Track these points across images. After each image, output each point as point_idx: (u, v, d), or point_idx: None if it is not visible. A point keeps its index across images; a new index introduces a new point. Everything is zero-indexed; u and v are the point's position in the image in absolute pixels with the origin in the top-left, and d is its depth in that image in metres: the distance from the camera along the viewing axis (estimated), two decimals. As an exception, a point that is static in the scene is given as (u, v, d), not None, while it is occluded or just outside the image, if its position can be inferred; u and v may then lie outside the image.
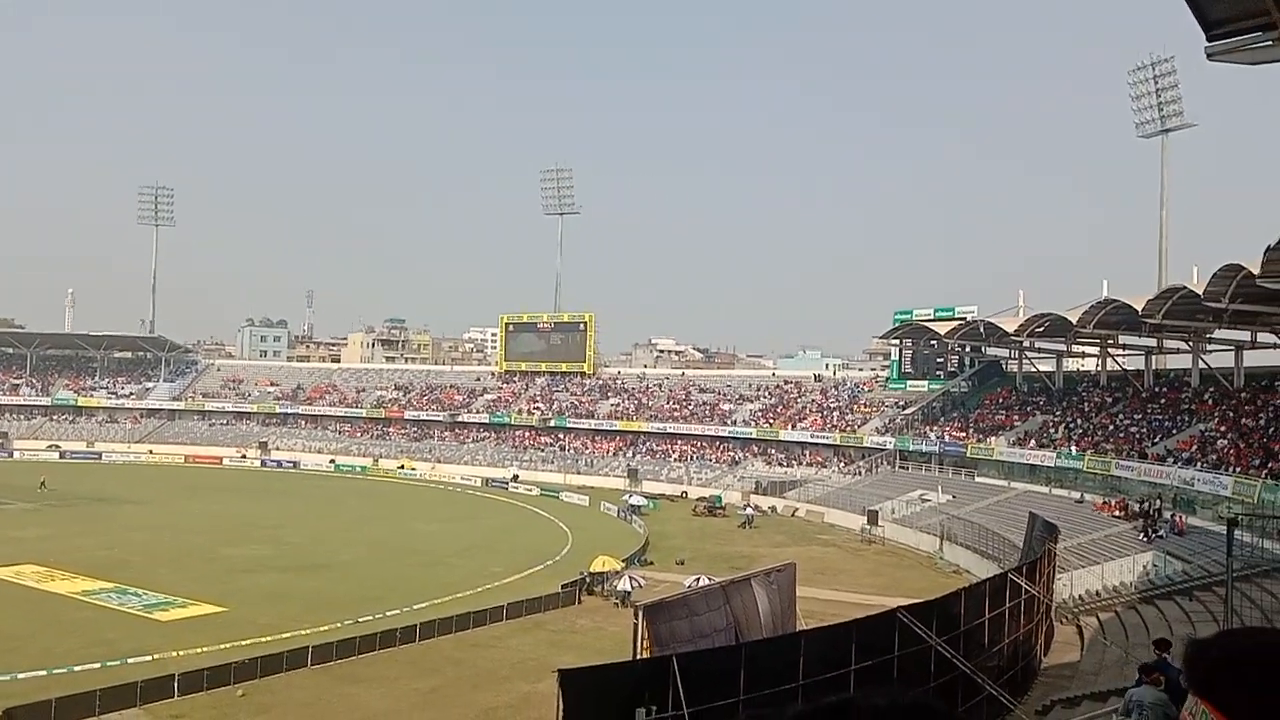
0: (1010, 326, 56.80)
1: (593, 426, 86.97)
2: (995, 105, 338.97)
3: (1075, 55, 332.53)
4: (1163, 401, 52.12)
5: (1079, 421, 55.39)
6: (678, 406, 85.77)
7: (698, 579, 32.43)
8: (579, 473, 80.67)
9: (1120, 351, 57.88)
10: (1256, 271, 30.67)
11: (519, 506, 65.04)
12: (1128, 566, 34.73)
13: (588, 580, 36.69)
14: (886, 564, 46.20)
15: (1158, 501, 40.68)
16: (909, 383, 76.46)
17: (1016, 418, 61.03)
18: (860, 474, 67.51)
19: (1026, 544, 33.30)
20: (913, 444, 65.48)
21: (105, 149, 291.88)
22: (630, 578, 35.67)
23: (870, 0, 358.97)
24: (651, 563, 43.53)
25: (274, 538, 47.80)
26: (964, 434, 62.05)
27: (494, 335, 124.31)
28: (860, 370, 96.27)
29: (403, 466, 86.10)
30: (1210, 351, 50.78)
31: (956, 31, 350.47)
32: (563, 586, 35.33)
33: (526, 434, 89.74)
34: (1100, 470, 47.71)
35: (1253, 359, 48.64)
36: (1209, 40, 10.91)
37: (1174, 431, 47.64)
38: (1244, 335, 46.44)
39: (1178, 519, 38.40)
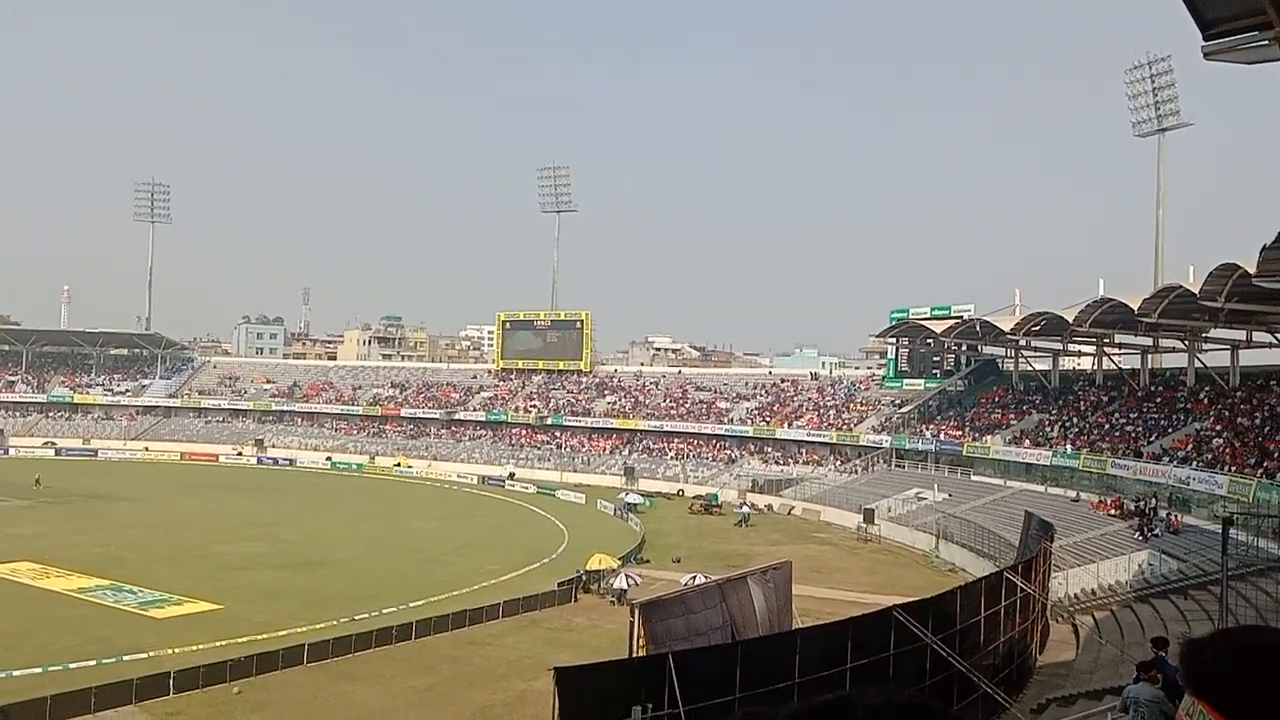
0: (1006, 325, 56.86)
1: (589, 424, 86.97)
2: (993, 105, 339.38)
3: (1072, 55, 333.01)
4: (1158, 400, 52.21)
5: (1075, 420, 55.47)
6: (674, 405, 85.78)
7: (694, 577, 32.48)
8: (575, 471, 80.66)
9: (1116, 350, 57.96)
10: (1252, 271, 30.68)
11: (515, 504, 65.01)
12: (1123, 565, 34.79)
13: (584, 578, 36.69)
14: (882, 562, 46.26)
15: (1153, 500, 40.74)
16: (905, 381, 76.55)
17: (1012, 416, 61.11)
18: (856, 472, 67.56)
19: (1022, 542, 33.36)
20: (909, 442, 65.55)
21: (102, 146, 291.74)
22: (626, 576, 35.67)
23: (870, 1, 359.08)
24: (648, 561, 43.54)
25: (270, 535, 47.75)
26: (960, 432, 62.14)
27: (491, 333, 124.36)
28: (857, 369, 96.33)
29: (399, 464, 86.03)
30: (1206, 351, 50.88)
31: (955, 32, 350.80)
32: (559, 584, 35.33)
33: (523, 432, 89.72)
34: (1096, 469, 47.78)
35: (1248, 358, 48.75)
36: (1205, 40, 10.91)
37: (1170, 430, 47.73)
38: (1240, 334, 46.51)
39: (1173, 518, 38.47)
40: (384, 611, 31.60)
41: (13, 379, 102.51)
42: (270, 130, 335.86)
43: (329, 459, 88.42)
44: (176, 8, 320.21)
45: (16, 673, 24.01)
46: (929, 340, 68.83)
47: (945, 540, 46.95)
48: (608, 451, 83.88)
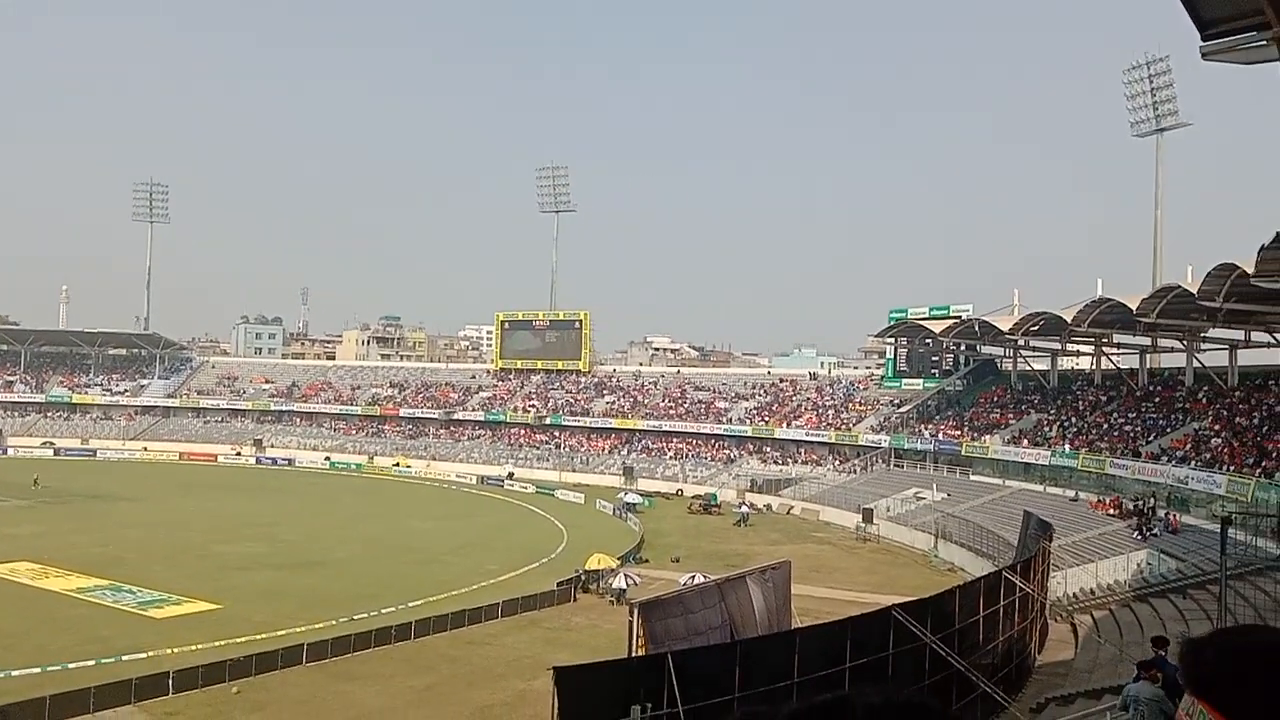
0: (1005, 325, 56.87)
1: (588, 424, 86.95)
2: (992, 105, 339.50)
3: (1071, 55, 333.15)
4: (1157, 400, 52.23)
5: (1073, 420, 55.49)
6: (673, 404, 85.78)
7: (693, 577, 32.47)
8: (574, 470, 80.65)
9: (1115, 350, 57.97)
10: (1251, 271, 30.70)
11: (514, 504, 65.00)
12: (1122, 564, 34.80)
13: (583, 578, 36.69)
14: (881, 562, 46.27)
15: (1152, 500, 40.76)
16: (904, 381, 76.55)
17: (1011, 416, 61.14)
18: (855, 472, 67.57)
19: (1021, 542, 33.37)
20: (908, 442, 65.56)
21: (101, 146, 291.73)
22: (625, 575, 35.66)
23: (869, 1, 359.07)
24: (647, 560, 43.54)
25: (269, 535, 47.73)
26: (959, 432, 62.16)
27: (489, 333, 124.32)
28: (855, 368, 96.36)
29: (398, 464, 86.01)
30: (1204, 350, 50.90)
31: (954, 32, 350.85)
32: (558, 584, 35.33)
33: (522, 432, 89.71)
34: (1095, 469, 47.80)
35: (1247, 358, 48.76)
36: (1204, 40, 10.92)
37: (1168, 430, 47.76)
38: (1238, 334, 46.54)
39: (1172, 517, 38.49)
40: (383, 611, 31.60)
41: (11, 379, 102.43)
42: (269, 130, 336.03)
43: (328, 459, 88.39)
44: (176, 8, 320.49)
45: (15, 673, 24.00)
46: (928, 340, 68.82)
47: (944, 540, 46.96)
48: (606, 451, 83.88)
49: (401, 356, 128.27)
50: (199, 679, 23.53)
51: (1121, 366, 58.05)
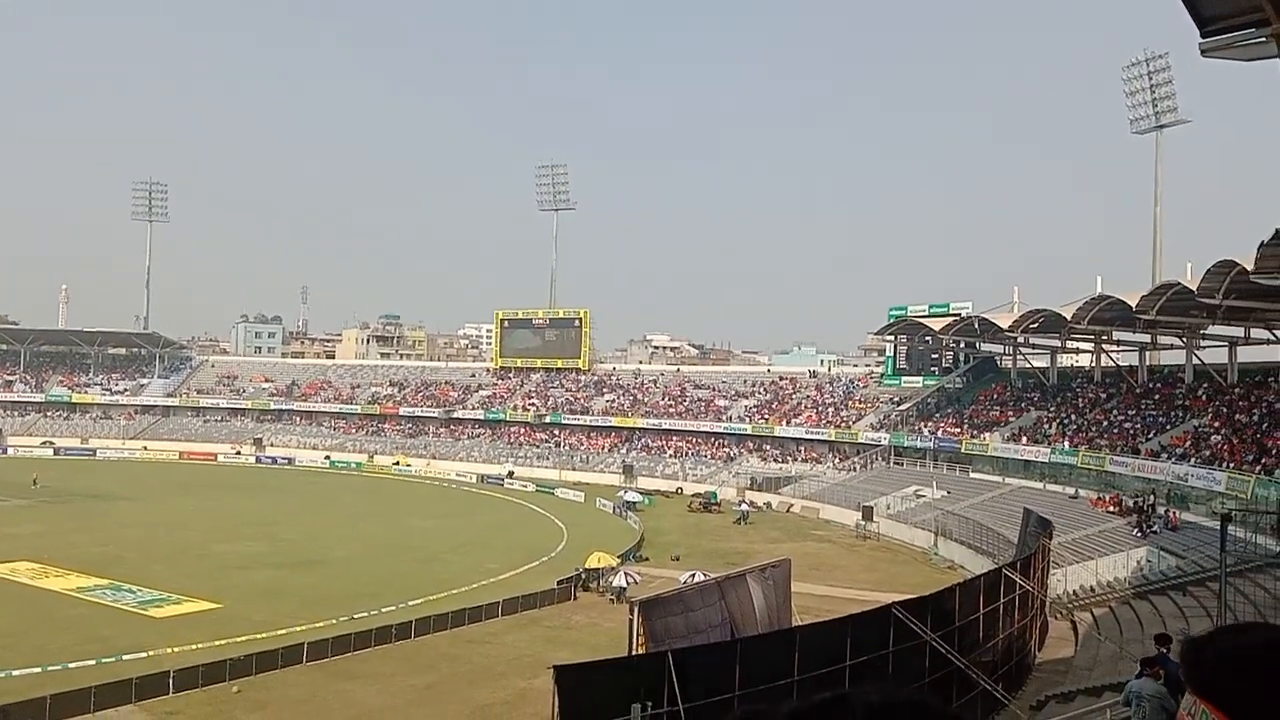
0: (1005, 322, 56.87)
1: (588, 423, 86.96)
2: (991, 104, 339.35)
3: (1070, 53, 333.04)
4: (1157, 397, 52.24)
5: (1073, 417, 55.50)
6: (673, 403, 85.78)
7: (693, 575, 32.47)
8: (574, 469, 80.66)
9: (1114, 347, 57.99)
10: (1250, 267, 30.69)
11: (514, 503, 65.02)
12: (1122, 562, 34.82)
13: (583, 576, 36.70)
14: (881, 560, 46.28)
15: (1152, 497, 40.78)
16: (904, 379, 76.52)
17: (1011, 414, 61.13)
18: (855, 470, 67.57)
19: (1021, 539, 33.38)
20: (907, 440, 65.57)
21: (100, 146, 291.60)
22: (626, 574, 35.67)
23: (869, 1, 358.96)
24: (647, 559, 43.55)
25: (269, 534, 47.73)
26: (958, 430, 62.16)
27: (489, 331, 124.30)
28: (855, 366, 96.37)
29: (398, 463, 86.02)
30: (1204, 347, 50.89)
31: (953, 32, 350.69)
32: (558, 583, 35.34)
33: (522, 430, 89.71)
34: (1094, 466, 47.80)
35: (1246, 355, 48.76)
36: (1203, 36, 10.92)
37: (1168, 427, 47.76)
38: (1238, 331, 46.54)
39: (1171, 514, 38.50)
40: (383, 610, 31.60)
41: (11, 378, 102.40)
42: (269, 129, 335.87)
43: (328, 458, 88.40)
44: (176, 8, 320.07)
45: (16, 672, 24.00)
46: (927, 338, 68.84)
47: (944, 537, 46.97)
48: (606, 449, 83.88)
49: (401, 355, 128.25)
50: (199, 678, 23.53)
51: (1121, 364, 58.07)
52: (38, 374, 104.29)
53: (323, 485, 72.16)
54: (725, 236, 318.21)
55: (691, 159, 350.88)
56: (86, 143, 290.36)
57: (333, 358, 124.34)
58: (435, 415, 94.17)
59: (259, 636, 27.75)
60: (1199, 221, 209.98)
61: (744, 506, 59.66)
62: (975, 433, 60.50)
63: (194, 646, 26.65)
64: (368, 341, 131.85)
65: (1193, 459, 41.61)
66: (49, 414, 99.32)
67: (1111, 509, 42.79)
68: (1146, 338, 53.72)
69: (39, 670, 24.26)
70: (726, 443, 79.35)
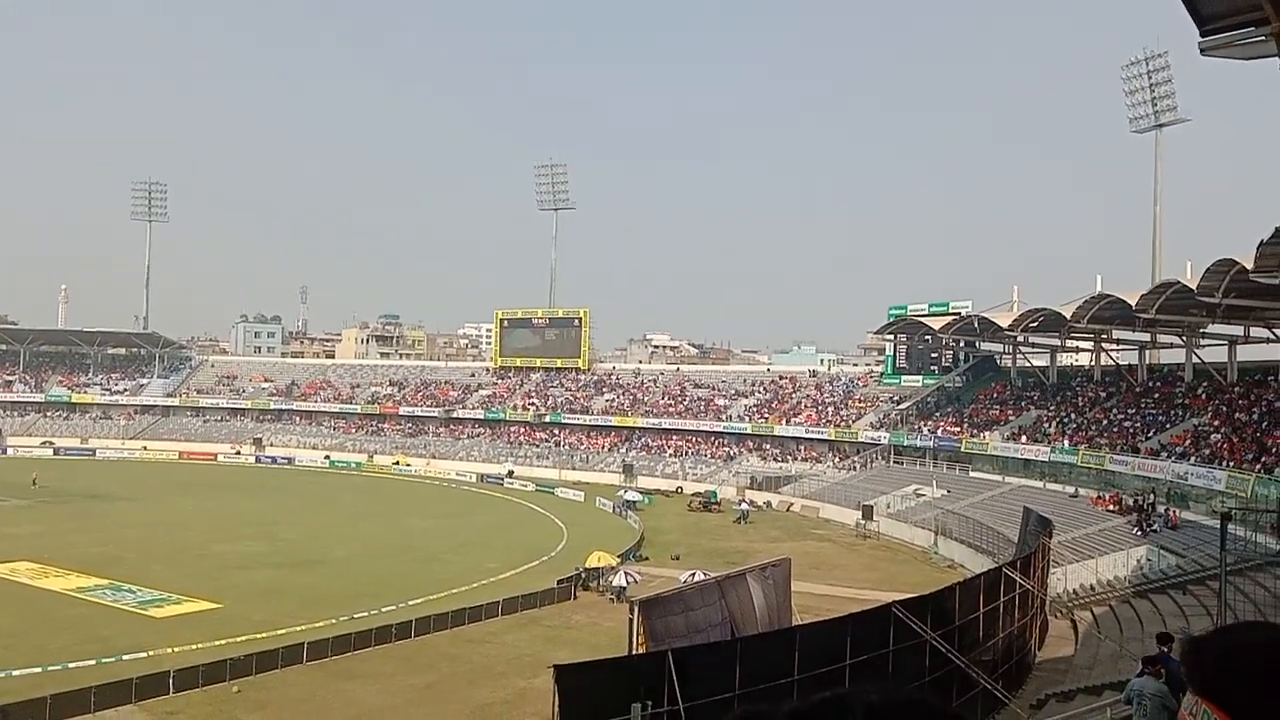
0: (1004, 321, 56.88)
1: (588, 422, 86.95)
2: (991, 104, 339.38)
3: (1070, 52, 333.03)
4: (1156, 396, 52.24)
5: (1073, 416, 55.50)
6: (673, 402, 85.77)
7: (693, 574, 32.48)
8: (574, 468, 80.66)
9: (1114, 346, 57.99)
10: (1250, 266, 30.69)
11: (514, 502, 65.01)
12: (1122, 561, 34.83)
13: (583, 576, 36.70)
14: (881, 559, 46.28)
15: (1152, 496, 40.78)
16: (904, 378, 76.52)
17: (1011, 412, 61.13)
18: (855, 469, 67.58)
19: (1021, 538, 33.37)
20: (907, 439, 65.57)
21: (100, 146, 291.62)
22: (626, 573, 35.67)
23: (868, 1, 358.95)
24: (647, 558, 43.54)
25: (269, 534, 47.72)
26: (958, 429, 62.15)
27: (489, 331, 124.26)
28: (855, 365, 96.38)
29: (398, 462, 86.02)
30: (1204, 346, 50.88)
31: (953, 31, 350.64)
32: (558, 582, 35.34)
33: (521, 430, 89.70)
34: (1094, 465, 47.80)
35: (1246, 353, 48.74)
36: (1202, 35, 10.93)
37: (1168, 426, 47.76)
38: (1237, 330, 46.54)
39: (1171, 513, 38.51)
40: (383, 610, 31.59)
41: (10, 379, 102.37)
42: (268, 129, 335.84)
43: (327, 457, 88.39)
44: (176, 8, 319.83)
45: (16, 672, 23.99)
46: (927, 337, 68.86)
47: (944, 536, 46.97)
48: (606, 449, 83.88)
49: (401, 355, 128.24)
50: (199, 678, 23.52)
51: (1121, 362, 58.08)
52: (37, 374, 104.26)
53: (322, 485, 72.15)
54: (725, 236, 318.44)
55: (691, 159, 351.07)
56: (86, 143, 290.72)
57: (332, 357, 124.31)
58: (435, 415, 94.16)
59: (259, 636, 27.74)
60: (1199, 220, 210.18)
61: (744, 506, 59.67)
62: (975, 432, 60.50)
63: (194, 646, 26.65)
64: (367, 341, 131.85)
65: (1193, 458, 41.62)
66: (49, 414, 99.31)
67: (1111, 508, 42.79)
68: (1146, 336, 53.72)
69: (39, 670, 24.25)
70: (726, 442, 79.35)
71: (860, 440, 69.99)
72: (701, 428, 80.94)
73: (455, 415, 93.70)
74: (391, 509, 59.33)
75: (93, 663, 24.94)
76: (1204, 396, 48.36)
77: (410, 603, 32.66)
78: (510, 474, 77.17)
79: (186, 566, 38.51)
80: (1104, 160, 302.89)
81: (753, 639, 19.35)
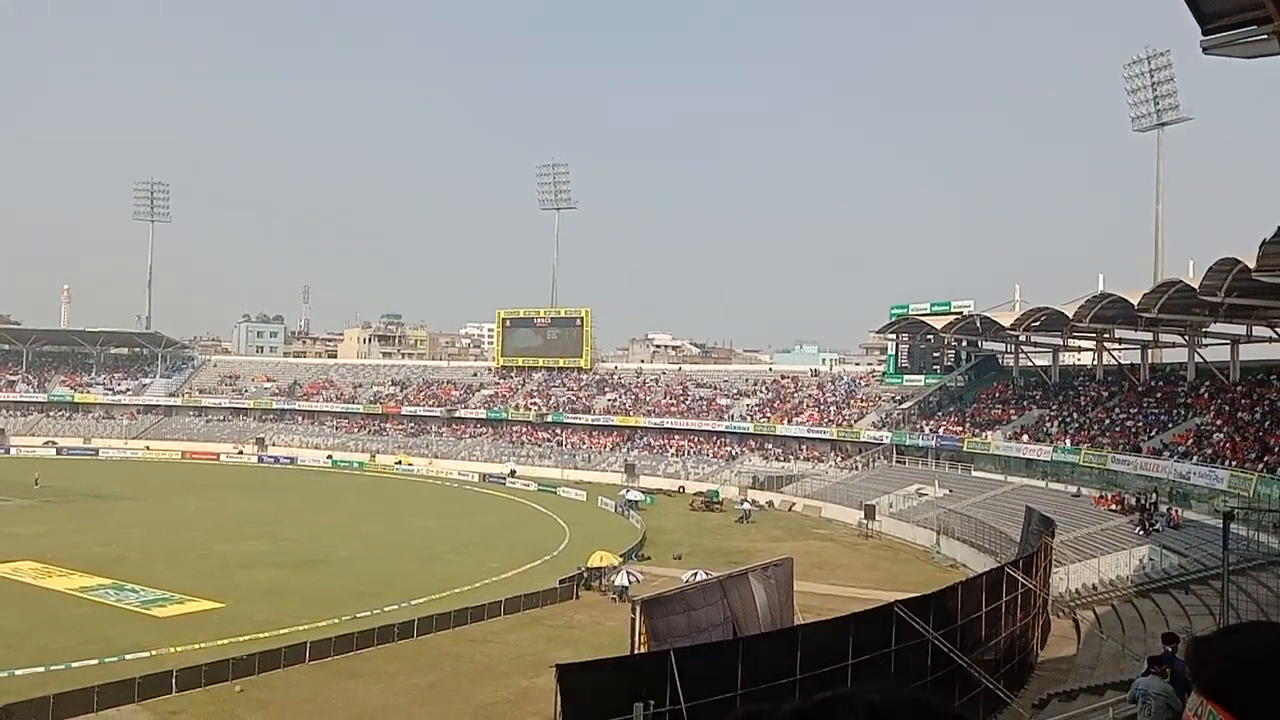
0: (1006, 321, 56.84)
1: (590, 422, 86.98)
2: (991, 103, 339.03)
3: (1071, 50, 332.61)
4: (1159, 395, 52.19)
5: (1075, 416, 55.46)
6: (675, 402, 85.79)
7: (695, 574, 32.49)
8: (576, 468, 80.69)
9: (1116, 345, 57.93)
10: (1252, 265, 30.67)
11: (516, 502, 65.04)
12: (1124, 560, 34.81)
13: (585, 575, 36.72)
14: (883, 558, 46.27)
15: (1154, 495, 40.75)
16: (905, 377, 76.49)
17: (1013, 412, 61.09)
18: (857, 468, 67.56)
19: (1023, 538, 33.37)
20: (909, 438, 65.55)
21: (101, 146, 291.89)
22: (628, 573, 35.69)
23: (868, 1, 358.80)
24: (649, 558, 43.56)
25: (271, 534, 47.77)
26: (960, 428, 62.11)
27: (491, 330, 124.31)
28: (857, 365, 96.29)
29: (400, 462, 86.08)
30: (1206, 345, 50.83)
31: (952, 31, 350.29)
32: (560, 582, 35.36)
33: (524, 429, 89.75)
34: (1096, 464, 47.76)
35: (1248, 353, 48.70)
36: (1204, 34, 10.91)
37: (1170, 425, 47.72)
38: (1240, 329, 46.51)
39: (1174, 513, 38.48)
40: (385, 609, 31.61)
41: (13, 378, 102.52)
42: (269, 129, 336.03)
43: (330, 457, 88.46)
44: (177, 8, 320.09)
45: (19, 672, 24.03)
46: (929, 336, 68.78)
47: (946, 536, 46.97)
48: (608, 449, 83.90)
49: (403, 354, 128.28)
50: (202, 678, 23.56)
51: (1123, 362, 58.03)
52: (40, 374, 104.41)
53: (325, 485, 72.20)
54: (726, 235, 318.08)
55: (692, 158, 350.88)
56: (88, 143, 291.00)
57: (335, 357, 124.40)
58: (437, 414, 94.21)
59: (261, 636, 27.77)
60: (1201, 219, 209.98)
61: (746, 505, 59.68)
62: (977, 431, 60.46)
63: (197, 646, 26.68)
64: (369, 341, 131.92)
65: (1195, 457, 41.58)
66: (51, 414, 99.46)
67: (1114, 507, 42.76)
68: (1148, 336, 53.66)
69: (42, 670, 24.30)
70: (728, 441, 79.34)
71: (862, 440, 69.97)
72: (703, 427, 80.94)
73: (457, 415, 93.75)
74: (394, 509, 59.36)
75: (95, 662, 24.99)
76: (1206, 396, 48.32)
77: (413, 602, 32.69)
78: (512, 473, 77.20)
79: (189, 566, 38.55)
80: (1106, 159, 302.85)
81: (755, 639, 19.35)
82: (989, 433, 59.33)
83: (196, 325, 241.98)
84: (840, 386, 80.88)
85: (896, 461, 65.43)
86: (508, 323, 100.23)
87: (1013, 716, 20.50)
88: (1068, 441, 51.64)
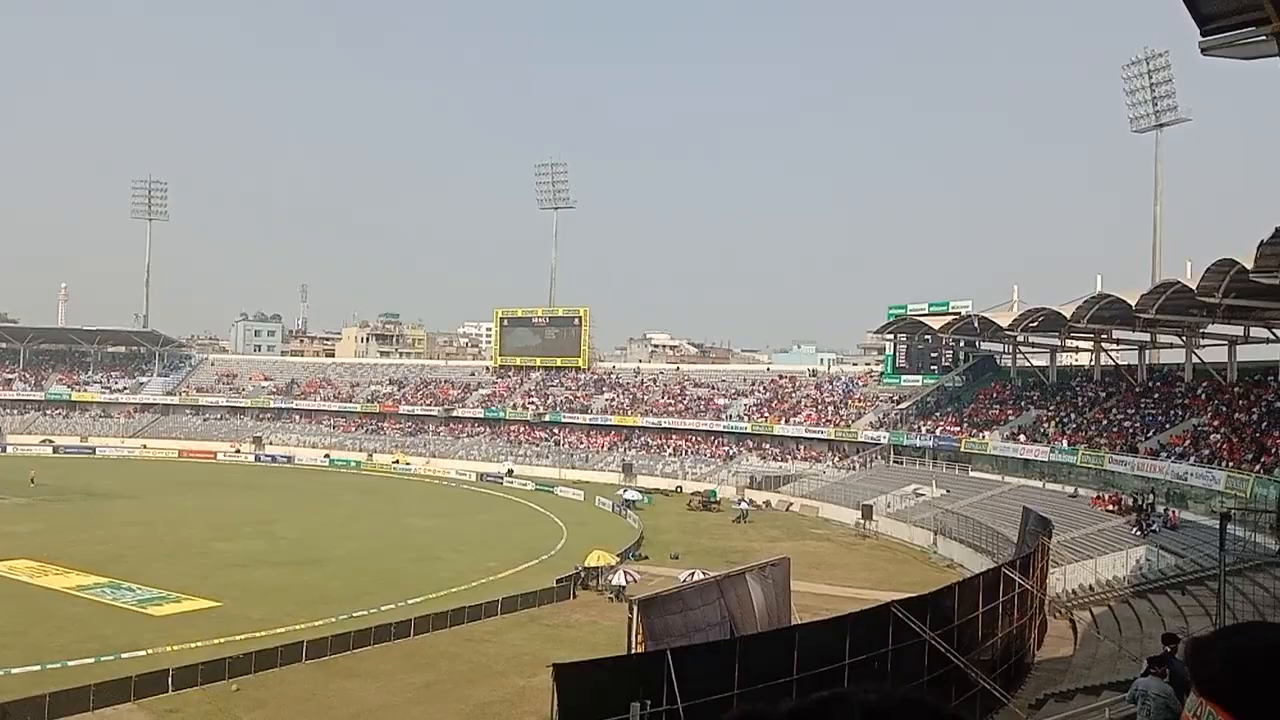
0: (1004, 321, 56.88)
1: (587, 421, 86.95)
2: (991, 103, 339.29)
3: (1070, 51, 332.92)
4: (1156, 396, 52.24)
5: (1072, 416, 55.51)
6: (673, 401, 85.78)
7: (692, 573, 32.48)
8: (574, 467, 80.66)
9: (1114, 346, 57.99)
10: (1250, 266, 30.70)
11: (514, 501, 65.02)
12: (1121, 561, 34.83)
13: (582, 575, 36.70)
14: (881, 558, 46.30)
15: (1151, 496, 40.79)
16: (903, 377, 76.52)
17: (1010, 412, 61.13)
18: (855, 468, 67.60)
19: (1020, 538, 33.37)
20: (907, 439, 65.58)
21: (99, 145, 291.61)
22: (625, 572, 35.67)
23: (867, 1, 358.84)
24: (646, 557, 43.55)
25: (268, 533, 47.72)
26: (958, 429, 62.15)
27: (489, 330, 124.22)
28: (855, 365, 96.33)
29: (397, 461, 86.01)
30: (1203, 346, 50.89)
31: (952, 31, 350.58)
32: (558, 581, 35.34)
33: (521, 429, 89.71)
34: (1094, 465, 47.81)
35: (1246, 353, 48.76)
36: (1203, 35, 10.92)
37: (1167, 426, 47.77)
38: (1237, 330, 46.55)
39: (1171, 513, 38.52)
40: (383, 608, 31.59)
41: (10, 377, 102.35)
42: (268, 129, 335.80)
43: (327, 456, 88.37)
44: (178, 8, 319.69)
45: (15, 671, 24.00)
46: (927, 336, 68.83)
47: (943, 536, 47.00)
48: (606, 448, 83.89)
49: (401, 354, 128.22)
50: (198, 677, 23.54)
51: (1121, 362, 58.08)
52: (37, 372, 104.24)
53: (322, 484, 72.13)
54: (725, 235, 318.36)
55: (691, 158, 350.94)
56: (87, 142, 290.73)
57: (332, 356, 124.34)
58: (435, 414, 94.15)
59: (258, 635, 27.75)
60: (1199, 220, 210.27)
61: (743, 505, 59.69)
62: (975, 431, 60.50)
63: (193, 645, 26.65)
64: (367, 340, 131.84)
65: (1192, 458, 41.63)
66: (48, 412, 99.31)
67: (1111, 508, 42.80)
68: (1146, 336, 53.72)
69: (38, 668, 24.27)
70: (726, 441, 79.35)
71: (860, 440, 70.00)
72: (701, 427, 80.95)
73: (455, 414, 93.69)
74: (391, 508, 59.32)
75: (92, 661, 24.96)
76: (1203, 397, 48.37)
77: (409, 601, 32.68)
78: (510, 473, 77.17)
79: (186, 565, 38.51)
80: (1104, 160, 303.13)
81: (752, 638, 19.34)
82: (986, 433, 59.37)
83: (194, 324, 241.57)
84: (838, 387, 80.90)
85: (894, 462, 65.46)
86: (505, 322, 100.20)
87: (1009, 717, 20.51)
88: (1065, 442, 51.69)
